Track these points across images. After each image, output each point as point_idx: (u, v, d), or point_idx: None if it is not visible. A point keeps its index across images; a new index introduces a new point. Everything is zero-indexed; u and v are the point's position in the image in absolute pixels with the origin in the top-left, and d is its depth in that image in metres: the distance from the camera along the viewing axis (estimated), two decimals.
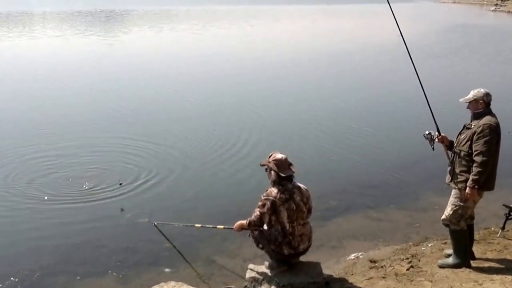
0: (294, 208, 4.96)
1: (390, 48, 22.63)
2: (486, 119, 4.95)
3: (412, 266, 5.37)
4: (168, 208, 7.32)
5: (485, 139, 4.87)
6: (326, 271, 5.55)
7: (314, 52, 22.75)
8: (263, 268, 5.39)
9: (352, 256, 6.03)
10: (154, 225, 6.63)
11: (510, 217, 6.00)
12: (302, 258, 5.71)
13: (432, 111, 5.41)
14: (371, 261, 5.77)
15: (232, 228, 5.39)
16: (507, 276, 4.84)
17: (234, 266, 5.86)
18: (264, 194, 5.05)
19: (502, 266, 5.10)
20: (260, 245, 5.25)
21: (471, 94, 5.11)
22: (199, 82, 15.99)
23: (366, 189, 8.24)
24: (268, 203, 4.95)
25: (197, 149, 9.75)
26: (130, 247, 6.22)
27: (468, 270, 5.09)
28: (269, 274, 5.27)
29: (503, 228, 6.09)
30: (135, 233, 6.60)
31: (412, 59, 5.66)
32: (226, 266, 5.84)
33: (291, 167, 5.12)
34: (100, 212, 7.14)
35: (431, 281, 4.92)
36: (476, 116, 5.07)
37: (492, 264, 5.21)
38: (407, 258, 5.65)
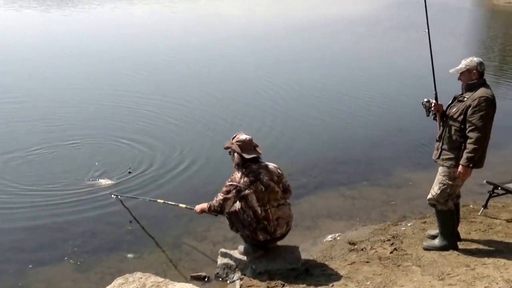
0: (263, 189, 4.52)
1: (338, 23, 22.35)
2: (482, 91, 4.57)
3: (395, 249, 5.04)
4: (132, 182, 6.77)
5: (481, 113, 4.49)
6: (303, 254, 5.15)
7: (278, 25, 22.12)
8: (236, 253, 4.94)
9: (329, 237, 5.64)
10: (115, 196, 6.11)
11: (493, 195, 5.75)
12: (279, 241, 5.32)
13: (435, 76, 4.96)
14: (350, 243, 5.41)
15: (193, 209, 4.90)
16: (498, 259, 4.57)
17: (204, 250, 5.36)
18: (229, 180, 4.59)
19: (491, 248, 4.84)
20: (235, 228, 4.78)
21: (463, 64, 4.71)
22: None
23: (337, 165, 7.89)
24: (233, 190, 4.51)
25: (166, 125, 9.14)
26: (89, 230, 5.61)
27: (456, 252, 4.80)
28: (244, 260, 4.82)
29: (485, 206, 5.85)
30: (94, 214, 5.97)
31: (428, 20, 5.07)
32: (195, 250, 5.33)
33: (257, 148, 4.67)
34: (54, 191, 6.45)
35: (419, 265, 4.60)
36: (470, 88, 4.68)
37: (480, 246, 4.94)
38: (389, 240, 5.32)
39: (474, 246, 4.94)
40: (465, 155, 4.54)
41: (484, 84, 4.66)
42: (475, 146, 4.48)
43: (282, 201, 4.77)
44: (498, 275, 4.24)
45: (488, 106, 4.49)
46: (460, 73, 4.72)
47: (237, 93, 11.52)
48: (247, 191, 4.47)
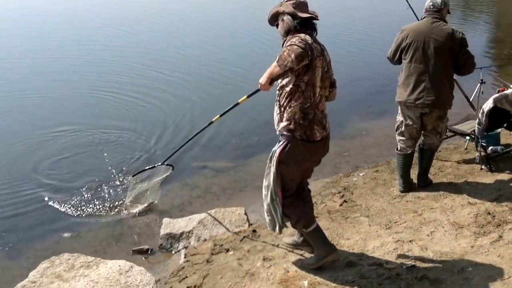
0: (326, 69, 3.38)
1: None
2: None
3: (345, 201, 4.87)
4: None
5: None
6: (253, 215, 4.97)
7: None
8: (180, 222, 4.71)
9: None
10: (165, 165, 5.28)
11: (445, 138, 5.60)
12: (224, 203, 5.12)
13: None
14: None
15: (258, 90, 3.48)
16: (446, 202, 4.44)
17: (147, 222, 5.07)
18: (289, 40, 3.25)
19: (440, 192, 4.69)
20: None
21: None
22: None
23: None
24: (308, 49, 3.17)
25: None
26: (19, 211, 5.20)
27: (405, 199, 4.66)
28: (188, 228, 4.60)
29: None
30: (24, 193, 5.52)
31: None
32: (138, 223, 5.04)
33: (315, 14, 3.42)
34: None
35: (367, 216, 4.44)
36: None
37: (429, 190, 4.78)
38: (339, 192, 5.15)
39: (424, 191, 4.79)
40: None
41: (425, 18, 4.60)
42: None
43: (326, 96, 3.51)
44: (445, 219, 4.10)
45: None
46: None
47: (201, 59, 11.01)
48: (317, 62, 3.26)
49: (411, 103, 4.54)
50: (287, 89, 3.31)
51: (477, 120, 5.01)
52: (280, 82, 3.35)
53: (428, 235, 3.90)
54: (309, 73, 3.24)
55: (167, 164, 5.32)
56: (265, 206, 3.60)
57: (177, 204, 5.44)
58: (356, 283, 3.42)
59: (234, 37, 12.43)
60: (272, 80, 3.27)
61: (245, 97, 3.80)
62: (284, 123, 3.36)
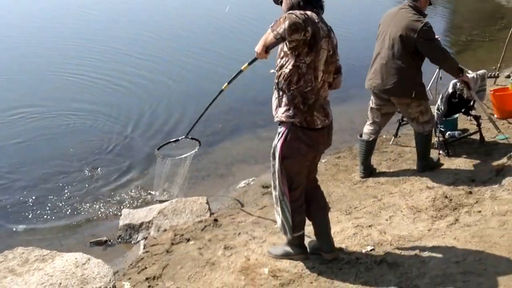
0: (331, 53, 3.11)
1: None
2: None
3: None
4: None
5: None
6: (215, 204, 4.94)
7: None
8: (140, 213, 4.62)
9: (242, 183, 5.40)
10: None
11: (403, 123, 5.66)
12: (186, 192, 5.03)
13: None
14: (263, 187, 5.21)
15: (255, 59, 3.21)
16: (405, 187, 4.50)
17: (106, 213, 4.95)
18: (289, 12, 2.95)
19: (399, 177, 4.76)
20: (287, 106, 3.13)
21: None
22: None
23: (254, 106, 7.54)
24: (309, 26, 2.89)
25: None
26: None
27: (366, 184, 4.71)
28: (147, 219, 4.52)
29: (396, 135, 5.78)
30: None
31: None
32: (96, 215, 4.91)
33: None
34: None
35: (328, 202, 4.41)
36: None
37: (389, 175, 4.85)
38: None
39: (384, 176, 4.85)
40: None
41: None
42: None
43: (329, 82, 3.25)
44: (403, 203, 4.15)
45: None
46: None
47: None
48: (323, 43, 3.01)
49: (366, 84, 4.68)
50: (286, 70, 3.06)
51: (436, 105, 5.08)
52: (279, 62, 3.14)
53: (387, 220, 3.94)
54: (312, 54, 2.99)
55: (191, 138, 5.03)
56: (276, 208, 3.40)
57: (136, 196, 5.33)
58: (316, 268, 3.42)
59: (210, 20, 12.20)
60: (267, 48, 3.01)
61: (246, 64, 3.48)
62: (282, 109, 3.13)
